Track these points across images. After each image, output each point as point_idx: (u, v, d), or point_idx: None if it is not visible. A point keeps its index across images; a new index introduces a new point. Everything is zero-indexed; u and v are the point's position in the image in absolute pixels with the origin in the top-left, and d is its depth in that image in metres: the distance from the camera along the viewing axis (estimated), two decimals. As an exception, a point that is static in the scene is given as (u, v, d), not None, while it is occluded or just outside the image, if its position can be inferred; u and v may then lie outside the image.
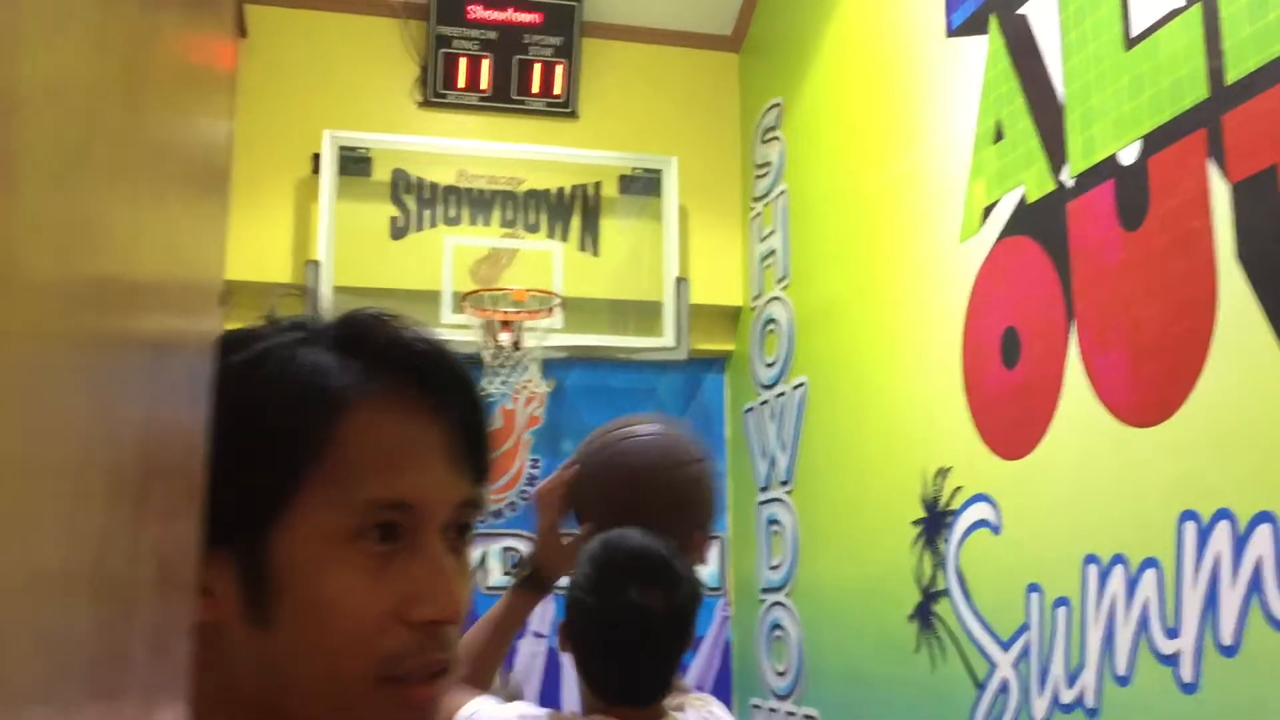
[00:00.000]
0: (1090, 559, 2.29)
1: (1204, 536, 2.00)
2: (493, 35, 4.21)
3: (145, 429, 0.28)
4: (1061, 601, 2.37)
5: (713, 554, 4.33)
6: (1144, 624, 2.13)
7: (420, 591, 0.62)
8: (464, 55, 4.19)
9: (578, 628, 1.52)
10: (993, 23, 2.75)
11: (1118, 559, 2.21)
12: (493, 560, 4.11)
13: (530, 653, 4.02)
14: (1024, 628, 2.50)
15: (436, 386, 0.66)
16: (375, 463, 0.63)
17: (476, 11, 4.20)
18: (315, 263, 3.83)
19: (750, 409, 4.20)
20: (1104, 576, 2.25)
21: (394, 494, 0.63)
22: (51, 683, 0.22)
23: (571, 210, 4.28)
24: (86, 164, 0.22)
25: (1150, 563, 2.12)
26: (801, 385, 3.78)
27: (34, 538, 0.20)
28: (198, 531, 0.37)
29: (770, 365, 4.04)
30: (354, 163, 4.03)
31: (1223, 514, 1.96)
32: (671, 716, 1.53)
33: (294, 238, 4.00)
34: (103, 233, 0.23)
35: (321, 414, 0.62)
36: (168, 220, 0.29)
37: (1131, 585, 2.17)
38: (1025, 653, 2.49)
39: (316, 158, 3.94)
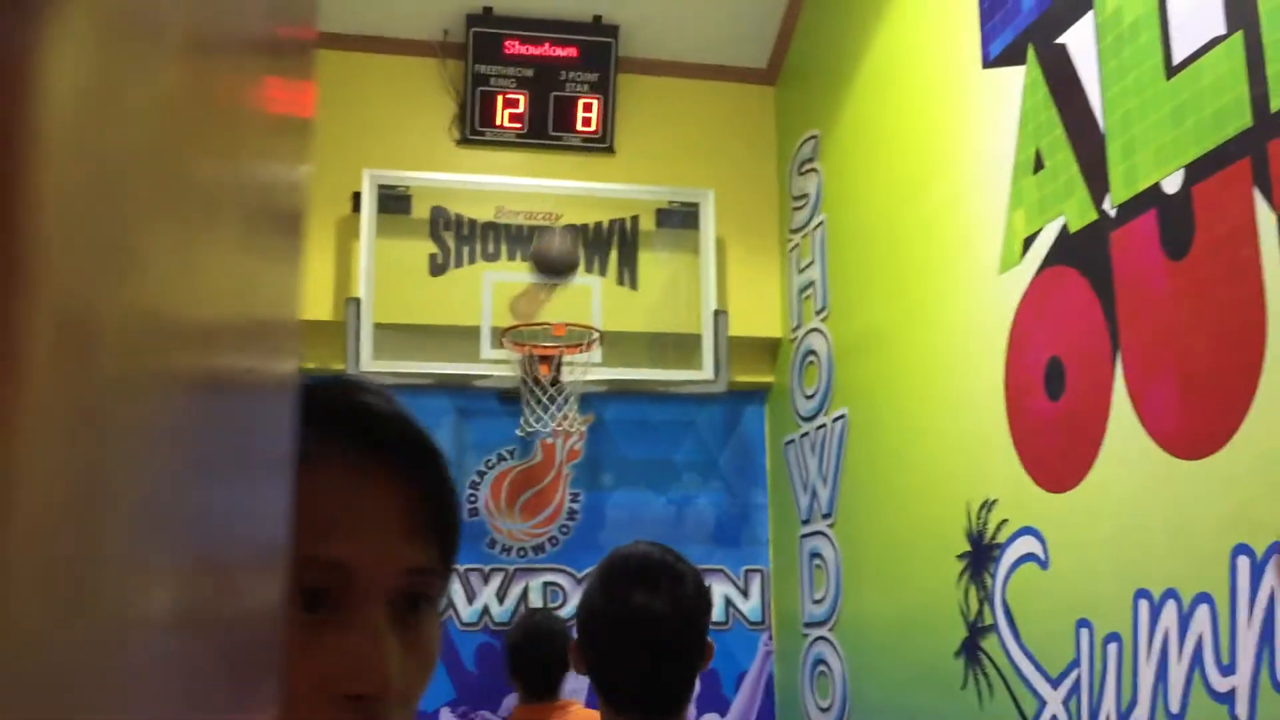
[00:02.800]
0: (1141, 594, 2.25)
1: (1258, 571, 1.96)
2: (529, 72, 4.25)
3: (227, 472, 0.28)
4: (1113, 637, 2.33)
5: (755, 588, 4.31)
6: (1198, 660, 2.09)
7: (351, 664, 0.59)
8: (501, 93, 4.23)
9: (588, 640, 1.51)
10: (1030, 52, 2.74)
11: (1170, 594, 2.17)
12: (534, 595, 4.11)
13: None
14: (1074, 664, 2.45)
15: (397, 454, 0.64)
16: (307, 522, 0.59)
17: (514, 48, 4.24)
18: (356, 300, 3.86)
19: (791, 441, 4.18)
20: (1156, 612, 2.21)
21: (324, 552, 0.59)
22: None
23: (609, 244, 4.29)
24: (173, 215, 0.22)
25: (1203, 598, 2.08)
26: (842, 417, 3.76)
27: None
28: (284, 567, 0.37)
29: (810, 397, 4.02)
30: (393, 201, 4.06)
31: (1278, 547, 1.92)
32: None
33: (335, 275, 4.04)
34: (187, 278, 0.24)
35: None
36: (251, 264, 0.31)
37: (1184, 621, 2.13)
38: (1075, 690, 2.45)
39: (356, 196, 3.98)
